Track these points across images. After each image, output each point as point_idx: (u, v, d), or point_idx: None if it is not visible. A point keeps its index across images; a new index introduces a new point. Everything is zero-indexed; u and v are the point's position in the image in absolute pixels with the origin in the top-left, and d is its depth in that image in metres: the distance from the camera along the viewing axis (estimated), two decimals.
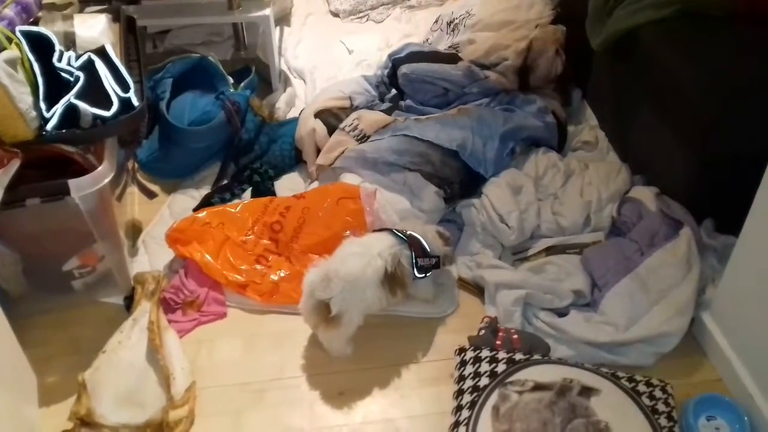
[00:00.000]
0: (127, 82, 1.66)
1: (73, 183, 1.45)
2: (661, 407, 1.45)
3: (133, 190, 2.11)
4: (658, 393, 1.48)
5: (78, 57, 1.67)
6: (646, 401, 1.45)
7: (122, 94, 1.61)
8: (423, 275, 1.67)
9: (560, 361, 1.55)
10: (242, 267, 1.81)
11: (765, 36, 1.72)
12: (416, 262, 1.63)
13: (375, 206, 1.89)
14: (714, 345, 1.60)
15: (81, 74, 1.60)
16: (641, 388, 1.48)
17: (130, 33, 1.93)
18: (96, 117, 1.55)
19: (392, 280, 1.59)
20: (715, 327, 1.61)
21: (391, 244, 1.62)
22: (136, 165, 2.18)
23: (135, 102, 1.62)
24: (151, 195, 2.08)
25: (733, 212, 1.52)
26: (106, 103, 1.58)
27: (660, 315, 1.62)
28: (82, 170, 1.52)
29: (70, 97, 1.54)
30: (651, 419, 1.42)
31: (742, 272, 1.51)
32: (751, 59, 1.68)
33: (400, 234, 1.66)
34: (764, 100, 1.39)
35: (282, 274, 1.81)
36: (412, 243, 1.65)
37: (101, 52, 1.70)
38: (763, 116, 1.35)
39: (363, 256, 1.58)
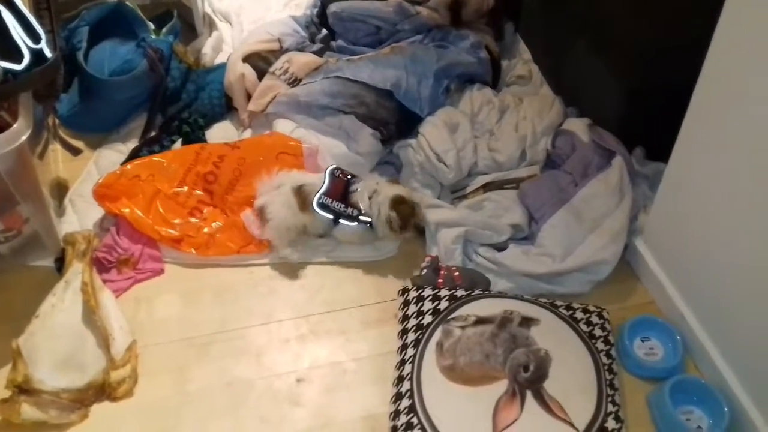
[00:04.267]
0: (37, 32, 1.55)
1: None
2: (597, 332, 1.50)
3: (55, 148, 2.02)
4: (594, 319, 1.53)
5: None
6: (584, 327, 1.50)
7: (33, 46, 1.51)
8: (326, 214, 1.71)
9: (500, 295, 1.58)
10: (175, 221, 1.77)
11: None
12: (319, 198, 1.70)
13: (318, 165, 1.87)
14: (646, 269, 1.66)
15: None
16: (578, 315, 1.53)
17: None
18: (6, 71, 1.46)
19: (300, 194, 1.72)
20: (647, 252, 1.67)
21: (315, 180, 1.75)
22: (57, 121, 2.08)
23: (48, 53, 1.52)
24: (75, 151, 1.99)
25: (662, 139, 1.55)
26: (17, 56, 1.48)
27: (595, 243, 1.66)
28: None
29: None
30: (588, 344, 1.47)
31: (672, 198, 1.56)
32: None
33: (334, 171, 1.75)
34: (691, 28, 1.41)
35: (217, 225, 1.78)
36: (333, 182, 1.72)
37: (7, 2, 1.58)
38: (690, 44, 1.36)
39: (297, 174, 1.79)
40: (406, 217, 1.70)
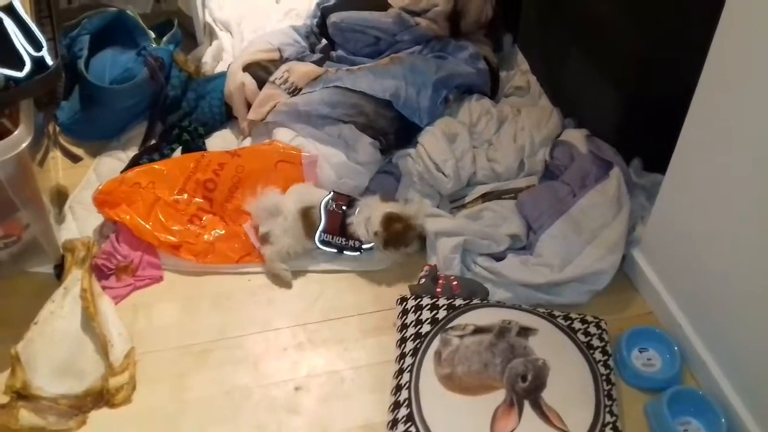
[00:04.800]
0: (39, 40, 1.56)
1: None
2: (596, 342, 1.50)
3: (56, 155, 2.02)
4: (592, 329, 1.53)
5: None
6: (582, 338, 1.51)
7: (34, 53, 1.52)
8: (329, 249, 1.75)
9: (499, 304, 1.58)
10: (175, 228, 1.77)
11: None
12: (320, 236, 1.73)
13: (317, 174, 1.87)
14: (644, 280, 1.66)
15: None
16: (576, 325, 1.53)
17: None
18: (8, 78, 1.46)
19: (307, 218, 1.73)
20: (645, 262, 1.67)
21: (319, 198, 1.76)
22: (58, 128, 2.09)
23: (49, 61, 1.53)
24: (75, 159, 2.00)
25: (660, 151, 1.56)
26: (18, 64, 1.49)
27: (593, 254, 1.66)
28: None
29: None
30: (586, 354, 1.47)
31: (669, 209, 1.56)
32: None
33: (327, 205, 1.75)
34: (689, 40, 1.42)
35: (217, 234, 1.78)
36: (329, 218, 1.72)
37: (8, 9, 1.59)
38: (688, 55, 1.38)
39: (298, 193, 1.78)
40: (398, 235, 1.69)
